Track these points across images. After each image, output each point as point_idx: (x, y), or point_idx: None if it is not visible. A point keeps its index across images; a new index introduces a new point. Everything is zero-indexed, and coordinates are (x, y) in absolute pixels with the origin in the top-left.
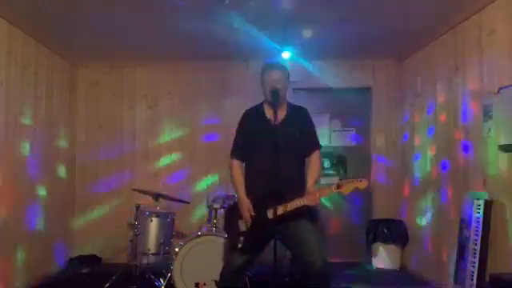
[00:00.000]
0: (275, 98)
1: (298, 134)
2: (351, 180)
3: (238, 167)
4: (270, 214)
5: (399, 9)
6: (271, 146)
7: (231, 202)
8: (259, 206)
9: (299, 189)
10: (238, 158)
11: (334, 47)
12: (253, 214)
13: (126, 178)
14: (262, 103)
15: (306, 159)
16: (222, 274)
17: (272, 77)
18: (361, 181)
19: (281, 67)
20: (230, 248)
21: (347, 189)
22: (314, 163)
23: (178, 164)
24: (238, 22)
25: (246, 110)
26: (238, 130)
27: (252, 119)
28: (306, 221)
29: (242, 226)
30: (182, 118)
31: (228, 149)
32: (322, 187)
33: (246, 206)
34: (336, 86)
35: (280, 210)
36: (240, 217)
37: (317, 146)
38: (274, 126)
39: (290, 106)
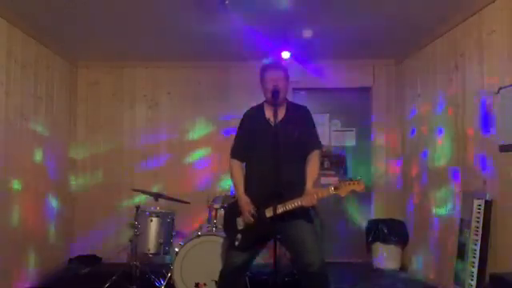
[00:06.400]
0: (275, 98)
1: (298, 134)
2: (348, 182)
3: (237, 167)
4: (268, 212)
5: (399, 9)
6: (271, 146)
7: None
8: (258, 205)
9: (299, 189)
10: (237, 158)
11: (334, 47)
12: (252, 211)
13: (126, 177)
14: (262, 103)
15: (306, 158)
16: (221, 274)
17: (272, 76)
18: (358, 183)
19: (281, 67)
20: (229, 246)
21: (344, 191)
22: (312, 163)
23: (178, 164)
24: (237, 21)
25: (247, 110)
26: (238, 130)
27: (252, 119)
28: (303, 221)
29: (240, 225)
30: (182, 118)
31: (227, 149)
32: (320, 188)
33: (246, 204)
34: (336, 86)
35: (278, 210)
36: (239, 215)
37: (317, 145)
38: (274, 126)
39: (291, 105)
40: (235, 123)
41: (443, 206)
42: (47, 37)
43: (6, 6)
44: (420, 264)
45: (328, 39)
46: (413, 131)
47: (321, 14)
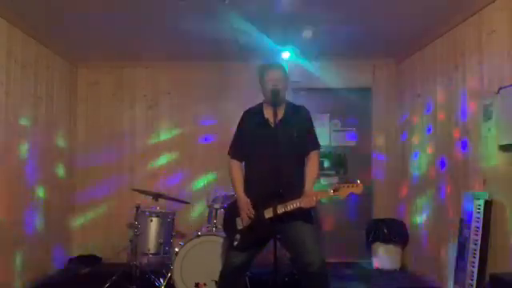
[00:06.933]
0: (275, 98)
1: (297, 134)
2: (348, 185)
3: (236, 167)
4: (267, 213)
5: (399, 9)
6: (270, 147)
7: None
8: (258, 205)
9: (298, 189)
10: (236, 158)
11: (334, 47)
12: (252, 211)
13: (126, 177)
14: (261, 103)
15: (306, 159)
16: (221, 274)
17: (272, 76)
18: (357, 186)
19: (280, 67)
20: (228, 246)
21: (343, 193)
22: (312, 164)
23: (177, 164)
24: (237, 22)
25: (245, 110)
26: (237, 130)
27: (251, 119)
28: (302, 221)
29: (240, 225)
30: (182, 118)
31: (227, 149)
32: (319, 190)
33: (245, 204)
34: (336, 86)
35: (277, 210)
36: (238, 215)
37: (316, 145)
38: (273, 126)
39: (290, 106)
40: (235, 123)
41: (443, 205)
42: (47, 37)
43: (6, 5)
44: (420, 264)
45: (328, 39)
46: (413, 131)
47: (321, 14)
